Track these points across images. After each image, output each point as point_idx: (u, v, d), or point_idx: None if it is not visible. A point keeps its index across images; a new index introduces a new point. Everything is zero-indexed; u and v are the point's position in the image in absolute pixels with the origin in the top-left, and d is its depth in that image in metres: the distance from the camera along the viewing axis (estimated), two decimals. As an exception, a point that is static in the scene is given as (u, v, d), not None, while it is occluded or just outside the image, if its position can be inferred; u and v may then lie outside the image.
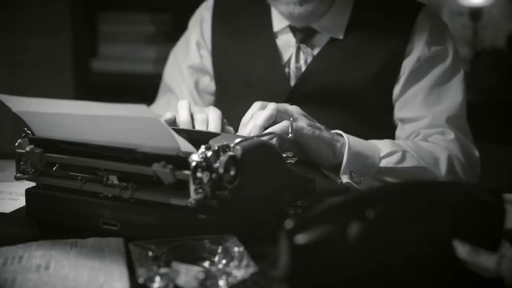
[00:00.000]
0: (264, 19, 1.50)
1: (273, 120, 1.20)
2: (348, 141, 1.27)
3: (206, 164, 0.91)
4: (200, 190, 0.91)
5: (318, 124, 1.26)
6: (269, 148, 1.05)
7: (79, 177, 1.00)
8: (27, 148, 1.02)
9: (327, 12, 1.44)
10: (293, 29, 1.47)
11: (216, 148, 0.92)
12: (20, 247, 0.93)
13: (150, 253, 0.87)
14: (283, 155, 1.07)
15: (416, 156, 1.33)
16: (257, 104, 1.23)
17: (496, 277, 0.76)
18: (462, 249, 0.78)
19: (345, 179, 1.27)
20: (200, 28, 1.58)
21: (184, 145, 0.93)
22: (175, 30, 1.65)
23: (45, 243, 0.95)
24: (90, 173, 1.00)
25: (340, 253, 0.75)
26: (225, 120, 1.26)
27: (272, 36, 1.49)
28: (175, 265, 0.83)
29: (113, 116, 0.94)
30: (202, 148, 0.91)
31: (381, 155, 1.31)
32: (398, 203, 0.79)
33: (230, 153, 0.93)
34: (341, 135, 1.29)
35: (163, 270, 0.83)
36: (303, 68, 1.46)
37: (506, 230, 0.83)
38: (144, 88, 2.29)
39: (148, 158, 0.93)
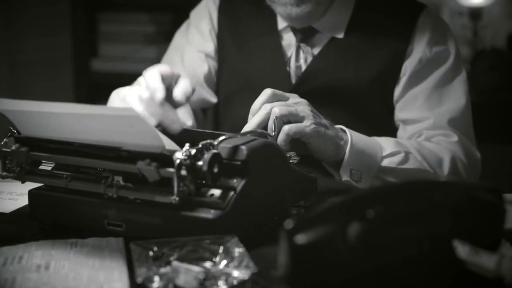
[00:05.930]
0: (269, 18, 1.50)
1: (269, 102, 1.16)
2: (351, 139, 1.25)
3: (190, 162, 0.91)
4: (185, 188, 0.92)
5: (323, 121, 1.22)
6: (274, 148, 1.05)
7: (64, 175, 1.01)
8: (13, 147, 1.02)
9: (328, 12, 1.44)
10: (293, 29, 1.47)
11: (200, 146, 0.93)
12: (20, 247, 0.93)
13: (150, 253, 0.87)
14: (287, 154, 1.07)
15: (419, 158, 1.31)
16: (267, 91, 1.18)
17: (496, 277, 0.76)
18: (462, 249, 0.78)
19: (345, 176, 1.26)
20: (209, 18, 1.56)
21: (168, 143, 0.94)
22: (175, 30, 1.65)
23: (45, 243, 0.95)
24: (76, 171, 1.01)
25: (340, 253, 0.75)
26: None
27: (277, 34, 1.49)
28: (175, 265, 0.83)
29: (99, 115, 0.95)
30: (187, 146, 0.92)
31: (384, 154, 1.29)
32: (398, 203, 0.79)
33: (214, 150, 0.94)
34: (345, 132, 1.27)
35: (163, 270, 0.83)
36: (303, 68, 1.46)
37: (506, 230, 0.83)
38: (144, 88, 2.29)
39: (133, 156, 0.94)
